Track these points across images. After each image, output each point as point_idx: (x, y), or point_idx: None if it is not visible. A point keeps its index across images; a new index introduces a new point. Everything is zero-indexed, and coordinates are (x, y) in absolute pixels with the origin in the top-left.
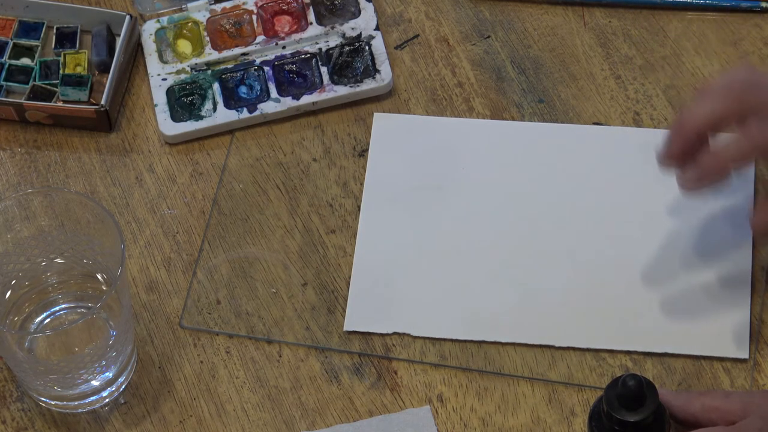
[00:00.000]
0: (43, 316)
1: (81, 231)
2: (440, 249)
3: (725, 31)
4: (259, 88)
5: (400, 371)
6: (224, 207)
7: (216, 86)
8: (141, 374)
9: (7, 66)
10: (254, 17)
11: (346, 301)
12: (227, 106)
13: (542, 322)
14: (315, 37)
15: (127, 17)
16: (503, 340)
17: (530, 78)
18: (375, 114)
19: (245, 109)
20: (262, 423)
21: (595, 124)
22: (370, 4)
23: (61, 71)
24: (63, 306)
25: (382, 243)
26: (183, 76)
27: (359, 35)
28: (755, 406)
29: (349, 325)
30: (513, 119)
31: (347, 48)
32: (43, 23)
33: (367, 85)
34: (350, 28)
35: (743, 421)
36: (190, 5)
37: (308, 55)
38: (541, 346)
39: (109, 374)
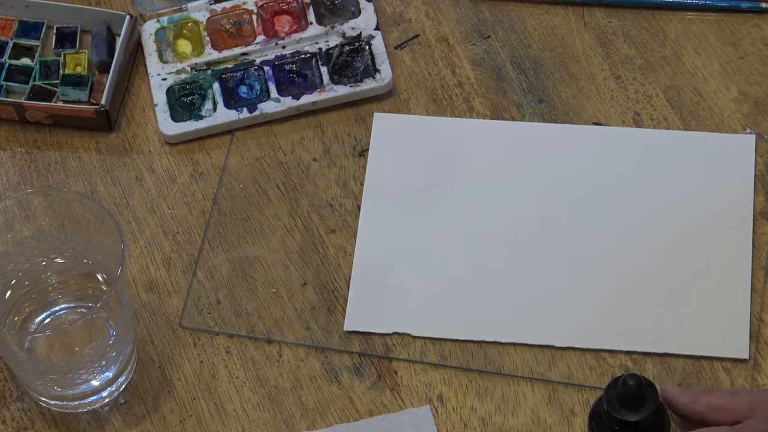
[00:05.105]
0: (43, 316)
1: (81, 231)
2: (440, 249)
3: (725, 32)
4: (259, 88)
5: (400, 371)
6: (224, 207)
7: (216, 86)
8: (141, 374)
9: (7, 66)
10: (254, 17)
11: (346, 301)
12: (227, 105)
13: (542, 322)
14: (315, 37)
15: (127, 17)
16: (503, 340)
17: (530, 78)
18: (375, 114)
19: (245, 109)
20: (262, 423)
21: (595, 124)
22: (370, 3)
23: (61, 71)
24: (63, 306)
25: (382, 243)
26: (183, 76)
27: (359, 35)
28: (761, 407)
29: (349, 325)
30: (513, 119)
31: (347, 48)
32: (43, 23)
33: (367, 85)
34: (350, 27)
35: (747, 421)
36: (190, 5)
37: (308, 55)
38: (541, 346)
39: (109, 374)
